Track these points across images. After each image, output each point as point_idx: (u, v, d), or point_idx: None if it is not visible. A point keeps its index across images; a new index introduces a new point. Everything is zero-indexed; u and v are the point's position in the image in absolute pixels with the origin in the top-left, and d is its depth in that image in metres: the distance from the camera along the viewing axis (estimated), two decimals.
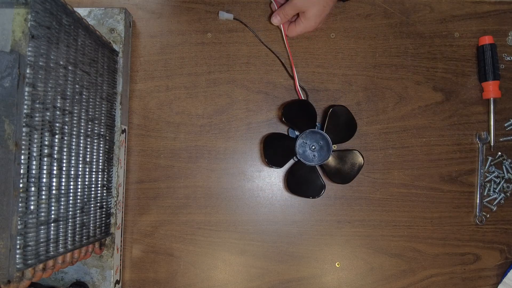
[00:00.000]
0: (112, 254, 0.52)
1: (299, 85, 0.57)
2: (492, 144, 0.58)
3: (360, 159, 0.54)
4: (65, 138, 0.39)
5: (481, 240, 0.58)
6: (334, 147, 0.55)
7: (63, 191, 0.39)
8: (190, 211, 0.57)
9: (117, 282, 0.54)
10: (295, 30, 0.56)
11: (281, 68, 0.58)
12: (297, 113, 0.54)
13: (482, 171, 0.58)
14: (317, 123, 0.55)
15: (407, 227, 0.58)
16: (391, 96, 0.59)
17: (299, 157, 0.53)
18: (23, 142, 0.33)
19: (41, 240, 0.36)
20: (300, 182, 0.54)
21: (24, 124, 0.33)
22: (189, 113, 0.58)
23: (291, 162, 0.56)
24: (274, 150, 0.54)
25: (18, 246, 0.33)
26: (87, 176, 0.44)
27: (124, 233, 0.57)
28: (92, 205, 0.46)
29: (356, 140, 0.58)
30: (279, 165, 0.55)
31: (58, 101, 0.38)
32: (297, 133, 0.56)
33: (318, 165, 0.54)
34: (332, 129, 0.54)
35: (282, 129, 0.58)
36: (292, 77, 0.58)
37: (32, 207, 0.34)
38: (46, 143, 0.36)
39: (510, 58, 0.59)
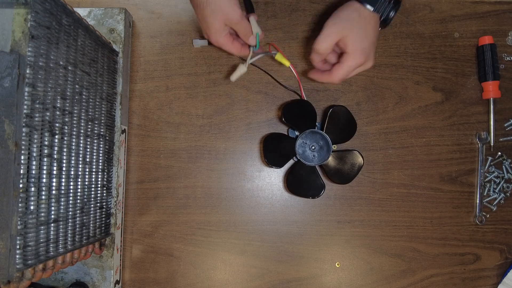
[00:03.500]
0: (112, 254, 0.52)
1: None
2: (492, 144, 0.58)
3: (360, 159, 0.54)
4: (65, 138, 0.39)
5: (481, 240, 0.58)
6: (334, 147, 0.55)
7: (63, 191, 0.39)
8: (190, 211, 0.57)
9: (117, 282, 0.54)
10: (341, 71, 0.45)
11: (281, 68, 0.58)
12: (297, 113, 0.54)
13: (482, 171, 0.58)
14: (317, 123, 0.55)
15: (407, 227, 0.58)
16: (391, 96, 0.59)
17: (299, 157, 0.53)
18: (23, 142, 0.33)
19: (41, 240, 0.36)
20: (300, 182, 0.54)
21: (24, 124, 0.33)
22: (189, 113, 0.58)
23: (291, 162, 0.56)
24: (274, 150, 0.54)
25: (18, 246, 0.33)
26: (87, 176, 0.44)
27: (124, 233, 0.57)
28: (92, 205, 0.46)
29: (356, 140, 0.58)
30: (279, 165, 0.55)
31: (58, 101, 0.38)
32: (297, 133, 0.56)
33: (318, 165, 0.54)
34: (332, 129, 0.54)
35: (282, 129, 0.58)
36: (280, 84, 0.58)
37: (32, 207, 0.34)
38: (46, 143, 0.36)
39: (510, 58, 0.59)
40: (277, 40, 0.59)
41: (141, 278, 0.57)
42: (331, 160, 0.54)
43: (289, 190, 0.56)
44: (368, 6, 0.43)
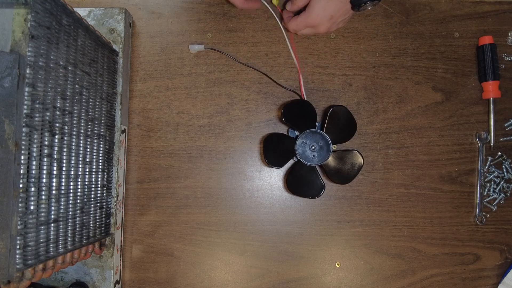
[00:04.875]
0: (112, 254, 0.52)
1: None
2: (492, 144, 0.58)
3: (360, 159, 0.54)
4: (65, 138, 0.39)
5: (481, 240, 0.58)
6: (334, 147, 0.55)
7: (63, 191, 0.39)
8: (190, 211, 0.57)
9: (117, 282, 0.54)
10: (295, 22, 0.53)
11: (281, 68, 0.58)
12: (297, 113, 0.54)
13: (482, 171, 0.58)
14: (317, 123, 0.55)
15: (407, 227, 0.58)
16: (391, 96, 0.59)
17: (299, 157, 0.53)
18: (23, 142, 0.33)
19: (41, 240, 0.36)
20: (300, 182, 0.54)
21: (24, 124, 0.33)
22: (189, 113, 0.58)
23: (291, 162, 0.56)
24: (274, 150, 0.54)
25: (18, 246, 0.33)
26: (87, 176, 0.44)
27: (124, 233, 0.57)
28: (92, 205, 0.46)
29: (356, 140, 0.58)
30: (279, 165, 0.55)
31: (58, 101, 0.38)
32: (297, 133, 0.56)
33: (318, 165, 0.54)
34: (332, 129, 0.54)
35: (282, 129, 0.58)
36: (279, 84, 0.58)
37: (32, 207, 0.34)
38: (46, 143, 0.36)
39: (510, 58, 0.59)
40: (277, 40, 0.59)
41: (141, 278, 0.57)
42: (331, 160, 0.54)
43: (289, 190, 0.56)
44: None
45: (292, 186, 0.54)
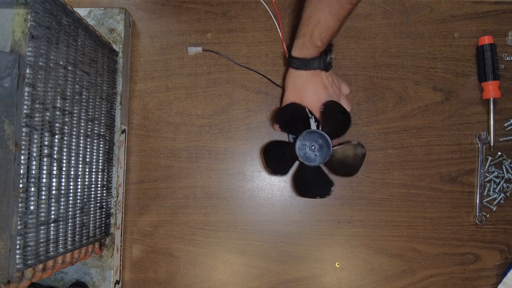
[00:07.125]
0: (112, 254, 0.52)
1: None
2: (492, 144, 0.58)
3: (361, 148, 0.53)
4: (65, 138, 0.39)
5: (481, 240, 0.58)
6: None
7: (63, 191, 0.39)
8: (190, 211, 0.57)
9: (117, 282, 0.54)
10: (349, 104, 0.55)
11: (281, 68, 0.58)
12: (290, 118, 0.53)
13: (482, 171, 0.58)
14: (312, 118, 0.54)
15: (407, 227, 0.58)
16: (391, 96, 0.59)
17: (301, 160, 0.53)
18: (23, 142, 0.33)
19: (41, 240, 0.36)
20: (308, 184, 0.54)
21: (24, 124, 0.33)
22: (189, 113, 0.58)
23: (295, 165, 0.55)
24: (276, 159, 0.53)
25: (18, 246, 0.33)
26: (87, 176, 0.44)
27: (124, 233, 0.57)
28: (92, 205, 0.46)
29: (355, 139, 0.58)
30: (283, 172, 0.54)
31: (58, 101, 0.38)
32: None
33: (322, 163, 0.53)
34: (327, 126, 0.53)
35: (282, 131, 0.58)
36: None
37: (32, 207, 0.34)
38: (46, 143, 0.36)
39: (510, 58, 0.59)
40: (277, 40, 0.59)
41: (141, 278, 0.57)
42: (333, 156, 0.53)
43: (298, 194, 0.55)
44: (303, 71, 0.50)
45: (300, 189, 0.54)
